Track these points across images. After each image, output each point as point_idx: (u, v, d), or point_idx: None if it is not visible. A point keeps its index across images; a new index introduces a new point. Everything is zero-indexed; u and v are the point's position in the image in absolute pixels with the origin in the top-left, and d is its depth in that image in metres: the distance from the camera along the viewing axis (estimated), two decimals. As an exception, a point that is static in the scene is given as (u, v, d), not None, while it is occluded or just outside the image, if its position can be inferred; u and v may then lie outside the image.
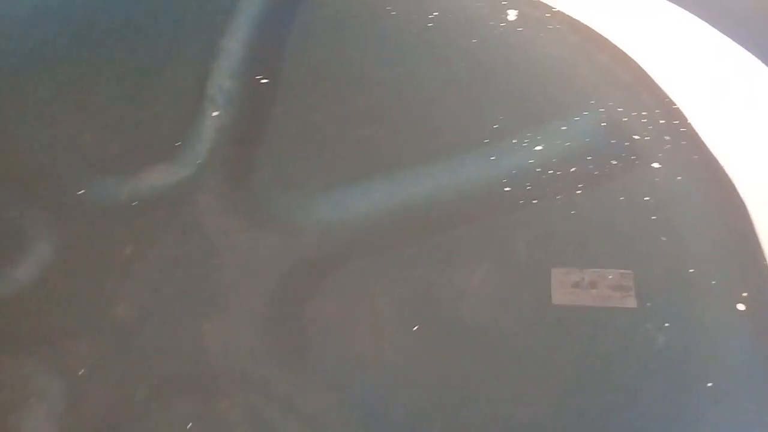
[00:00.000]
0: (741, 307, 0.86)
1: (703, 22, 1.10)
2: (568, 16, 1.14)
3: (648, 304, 0.85)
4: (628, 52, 1.11)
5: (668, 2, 1.13)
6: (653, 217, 0.89)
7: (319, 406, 0.87)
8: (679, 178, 0.92)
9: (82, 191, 0.92)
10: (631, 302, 0.86)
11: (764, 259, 0.90)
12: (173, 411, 0.86)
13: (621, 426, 0.82)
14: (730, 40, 1.07)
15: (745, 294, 0.86)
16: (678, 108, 1.02)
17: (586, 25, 1.13)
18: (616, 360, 0.85)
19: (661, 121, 0.98)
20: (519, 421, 0.85)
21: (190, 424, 0.84)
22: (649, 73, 1.07)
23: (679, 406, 0.81)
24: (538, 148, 0.95)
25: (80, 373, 0.85)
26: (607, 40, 1.13)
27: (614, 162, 0.94)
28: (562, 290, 0.89)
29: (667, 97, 1.02)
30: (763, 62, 1.05)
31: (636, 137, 0.96)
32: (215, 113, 0.96)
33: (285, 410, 0.86)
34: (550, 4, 1.15)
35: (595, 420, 0.83)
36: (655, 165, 0.93)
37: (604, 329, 0.86)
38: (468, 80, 1.05)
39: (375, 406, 0.86)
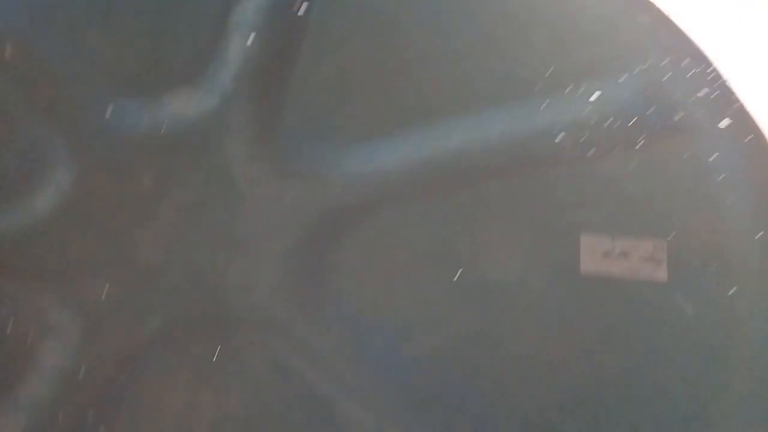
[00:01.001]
0: (775, 284, 0.85)
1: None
2: (609, -27, 1.10)
3: (679, 275, 0.83)
4: (670, 15, 1.07)
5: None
6: (691, 188, 0.86)
7: (335, 349, 0.86)
8: (720, 149, 0.89)
9: (103, 116, 0.88)
10: (662, 275, 0.84)
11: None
12: (190, 348, 0.85)
13: (642, 387, 0.82)
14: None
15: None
16: (721, 76, 0.98)
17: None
18: (641, 327, 0.83)
19: (703, 89, 0.95)
20: (533, 371, 0.84)
21: (208, 359, 0.84)
22: (692, 39, 1.04)
23: (704, 376, 0.81)
24: (573, 108, 0.92)
25: (97, 308, 0.84)
26: (649, 1, 1.09)
27: (653, 128, 0.91)
28: (591, 258, 0.87)
29: (711, 65, 0.99)
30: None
31: (677, 104, 0.93)
32: (243, 42, 0.91)
33: (301, 352, 0.86)
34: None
35: (616, 381, 0.82)
36: (696, 134, 0.90)
37: (632, 298, 0.85)
38: (504, 34, 1.01)
39: (388, 350, 0.85)
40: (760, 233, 0.81)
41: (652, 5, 1.05)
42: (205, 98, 0.90)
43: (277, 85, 0.90)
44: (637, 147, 0.87)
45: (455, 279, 0.86)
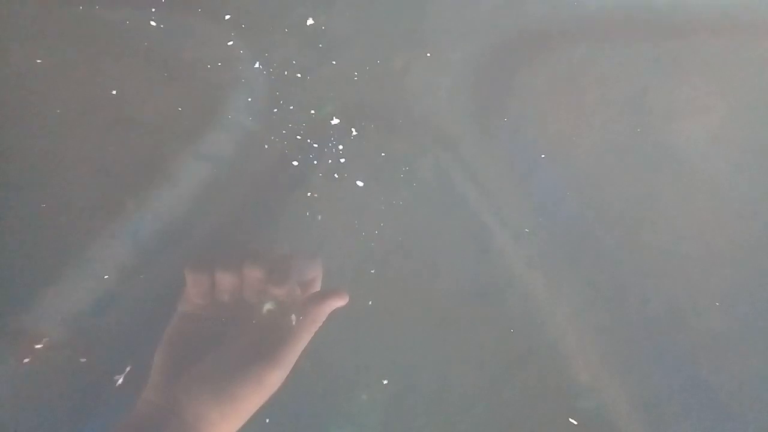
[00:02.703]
0: None
1: None
2: None
3: None
4: None
5: None
6: None
7: (499, 180, 0.81)
8: None
9: None
10: None
11: None
12: (363, 141, 0.81)
13: None
14: None
15: None
16: None
17: None
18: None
19: None
20: None
21: (383, 154, 0.79)
22: None
23: None
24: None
25: (286, 72, 0.78)
26: None
27: None
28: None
29: None
30: None
31: None
32: None
33: (469, 172, 0.81)
34: None
35: None
36: None
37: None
38: None
39: (551, 195, 0.80)
40: None
41: None
42: None
43: None
44: None
45: (638, 137, 0.80)
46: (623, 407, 0.76)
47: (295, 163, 0.75)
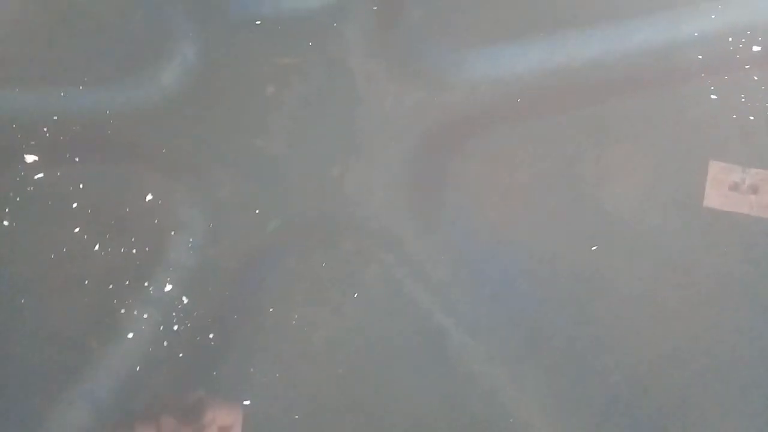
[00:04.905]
0: None
1: None
2: None
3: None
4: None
5: None
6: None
7: (447, 276, 0.81)
8: None
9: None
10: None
11: None
12: (306, 249, 0.80)
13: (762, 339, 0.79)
14: None
15: None
16: None
17: None
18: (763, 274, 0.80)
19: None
20: (642, 316, 0.80)
21: (324, 263, 0.78)
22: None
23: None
24: (714, 18, 0.84)
25: (224, 203, 0.78)
26: None
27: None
28: (717, 191, 0.82)
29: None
30: None
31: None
32: None
33: (415, 274, 0.80)
34: None
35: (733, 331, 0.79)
36: None
37: (756, 238, 0.80)
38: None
39: (502, 283, 0.81)
40: None
41: None
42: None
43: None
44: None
45: (572, 207, 0.81)
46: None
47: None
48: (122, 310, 0.72)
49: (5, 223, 0.73)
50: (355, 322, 0.77)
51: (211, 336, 0.74)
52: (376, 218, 0.78)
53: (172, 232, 0.74)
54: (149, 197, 0.74)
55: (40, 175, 0.75)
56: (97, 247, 0.73)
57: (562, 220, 0.81)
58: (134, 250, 0.73)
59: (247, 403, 0.73)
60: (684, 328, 0.80)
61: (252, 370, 0.74)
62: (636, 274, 0.81)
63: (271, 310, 0.75)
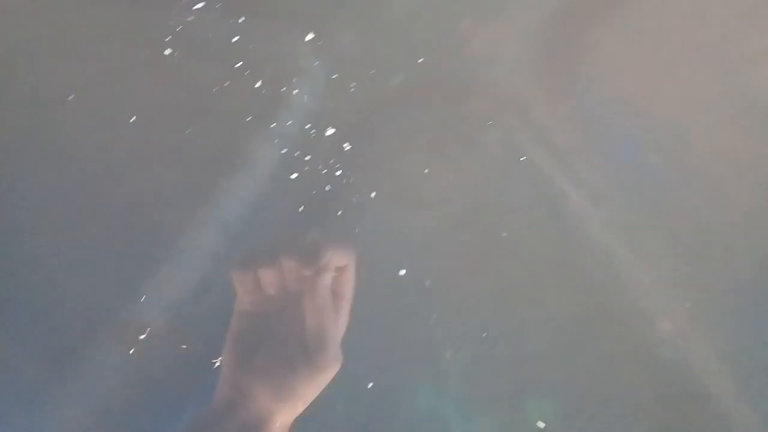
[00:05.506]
0: None
1: None
2: None
3: None
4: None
5: None
6: None
7: (573, 143, 0.79)
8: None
9: None
10: None
11: None
12: (428, 112, 0.80)
13: None
14: None
15: None
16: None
17: None
18: None
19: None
20: None
21: (444, 126, 0.78)
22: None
23: None
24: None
25: (345, 57, 0.79)
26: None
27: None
28: None
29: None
30: None
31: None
32: None
33: (538, 139, 0.79)
34: None
35: None
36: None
37: None
38: None
39: (630, 154, 0.78)
40: None
41: None
42: None
43: None
44: None
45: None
46: (708, 359, 0.75)
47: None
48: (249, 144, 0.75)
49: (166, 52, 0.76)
50: (470, 178, 0.77)
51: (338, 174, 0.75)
52: (504, 81, 0.77)
53: (294, 79, 0.75)
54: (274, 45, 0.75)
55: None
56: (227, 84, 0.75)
57: (702, 98, 0.78)
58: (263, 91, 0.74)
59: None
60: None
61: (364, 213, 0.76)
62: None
63: (388, 159, 0.76)
